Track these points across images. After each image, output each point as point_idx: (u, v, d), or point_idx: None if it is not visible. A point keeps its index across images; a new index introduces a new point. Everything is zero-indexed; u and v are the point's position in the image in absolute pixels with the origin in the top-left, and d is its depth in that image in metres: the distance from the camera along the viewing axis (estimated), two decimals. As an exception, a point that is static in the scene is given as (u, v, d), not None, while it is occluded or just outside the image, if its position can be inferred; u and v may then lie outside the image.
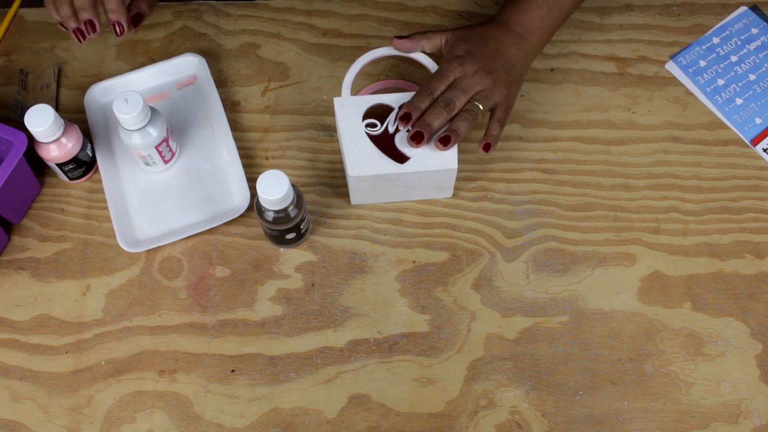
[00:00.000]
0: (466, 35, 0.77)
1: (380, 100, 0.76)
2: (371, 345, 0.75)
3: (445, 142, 0.73)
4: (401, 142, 0.75)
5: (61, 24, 0.76)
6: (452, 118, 0.74)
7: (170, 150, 0.80)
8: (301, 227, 0.76)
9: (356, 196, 0.79)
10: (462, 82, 0.74)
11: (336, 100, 0.76)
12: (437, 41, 0.78)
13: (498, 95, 0.75)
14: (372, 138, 0.75)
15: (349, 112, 0.75)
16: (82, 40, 0.76)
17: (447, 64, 0.75)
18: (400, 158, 0.74)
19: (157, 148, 0.78)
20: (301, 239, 0.78)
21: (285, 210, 0.72)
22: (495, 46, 0.76)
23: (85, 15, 0.74)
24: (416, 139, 0.73)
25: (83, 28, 0.75)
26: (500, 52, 0.76)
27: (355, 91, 0.85)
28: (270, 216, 0.72)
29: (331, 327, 0.76)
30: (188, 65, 0.87)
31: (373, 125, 0.75)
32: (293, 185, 0.72)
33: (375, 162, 0.74)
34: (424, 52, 0.79)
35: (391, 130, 0.75)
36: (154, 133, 0.77)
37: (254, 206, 0.74)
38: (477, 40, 0.76)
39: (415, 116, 0.73)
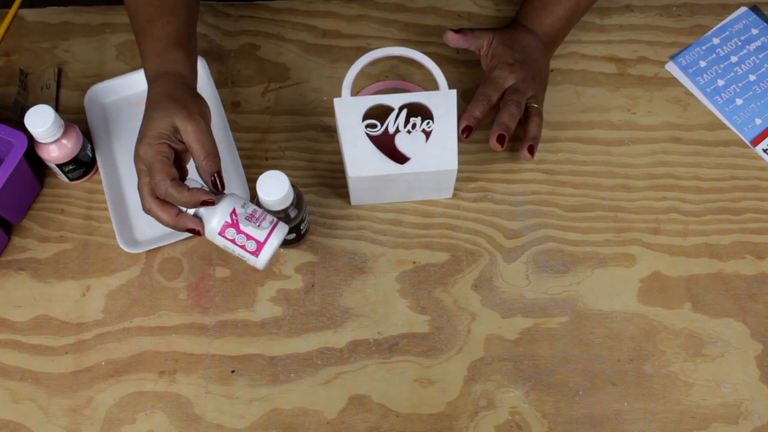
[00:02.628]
0: (508, 41, 0.80)
1: (380, 100, 0.76)
2: (371, 345, 0.75)
3: (531, 151, 0.78)
4: (401, 142, 0.75)
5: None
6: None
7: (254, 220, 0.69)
8: (301, 228, 0.76)
9: (356, 196, 0.79)
10: (519, 87, 0.78)
11: (336, 101, 0.76)
12: (481, 42, 0.82)
13: (542, 99, 0.82)
14: (372, 138, 0.75)
15: (349, 112, 0.75)
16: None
17: (500, 71, 0.79)
18: (400, 159, 0.74)
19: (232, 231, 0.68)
20: (300, 240, 0.78)
21: (285, 210, 0.72)
22: (533, 55, 0.81)
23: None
24: (501, 141, 0.76)
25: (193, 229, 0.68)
26: (536, 60, 0.81)
27: (355, 91, 0.85)
28: None
29: (331, 328, 0.76)
30: (188, 66, 0.87)
31: (374, 126, 0.75)
32: (293, 186, 0.72)
33: (375, 163, 0.74)
34: (466, 49, 0.83)
35: (391, 130, 0.75)
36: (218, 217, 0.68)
37: None
38: (518, 47, 0.80)
39: (475, 127, 0.77)
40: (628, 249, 0.79)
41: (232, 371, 0.74)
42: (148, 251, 0.79)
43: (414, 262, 0.79)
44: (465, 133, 0.76)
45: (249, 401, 0.73)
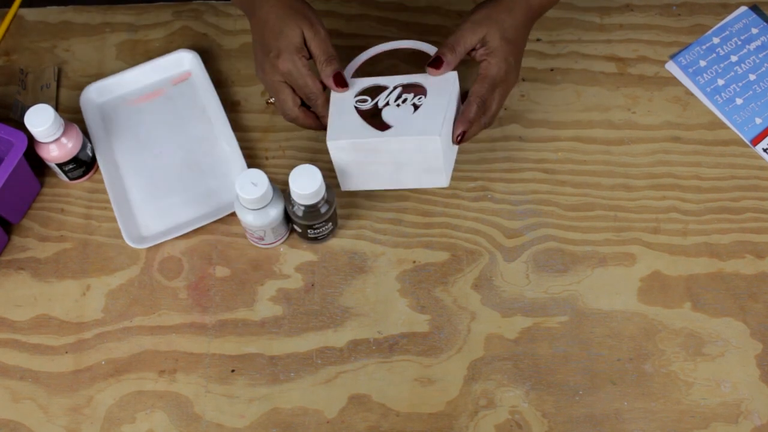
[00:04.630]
0: (508, 33, 0.73)
1: (377, 81, 0.74)
2: (371, 345, 0.75)
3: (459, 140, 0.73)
4: (388, 114, 0.72)
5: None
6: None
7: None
8: (329, 224, 0.76)
9: (342, 177, 0.76)
10: (505, 93, 0.74)
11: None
12: (468, 45, 0.73)
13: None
14: (360, 112, 0.72)
15: (345, 93, 0.74)
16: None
17: (497, 71, 0.72)
18: (383, 128, 0.71)
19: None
20: (330, 234, 0.79)
21: (316, 205, 0.72)
22: (524, 43, 0.75)
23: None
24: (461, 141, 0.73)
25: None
26: (524, 46, 0.75)
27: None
28: (300, 211, 0.73)
29: (331, 327, 0.76)
30: (182, 61, 0.87)
31: (364, 100, 0.73)
32: (325, 181, 0.71)
33: (354, 130, 0.71)
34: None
35: (381, 105, 0.72)
36: (273, 213, 0.74)
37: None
38: (515, 35, 0.73)
39: (469, 130, 0.72)
40: (628, 248, 0.79)
41: (232, 370, 0.74)
42: (149, 250, 0.79)
43: (414, 262, 0.79)
44: (459, 137, 0.72)
45: (249, 400, 0.73)
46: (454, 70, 0.73)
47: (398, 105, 0.72)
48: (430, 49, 0.76)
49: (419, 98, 0.72)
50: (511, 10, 0.73)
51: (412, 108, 0.72)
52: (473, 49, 0.73)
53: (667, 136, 0.85)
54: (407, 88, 0.73)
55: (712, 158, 0.83)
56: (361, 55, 0.77)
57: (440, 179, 0.74)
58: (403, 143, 0.70)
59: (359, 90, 0.74)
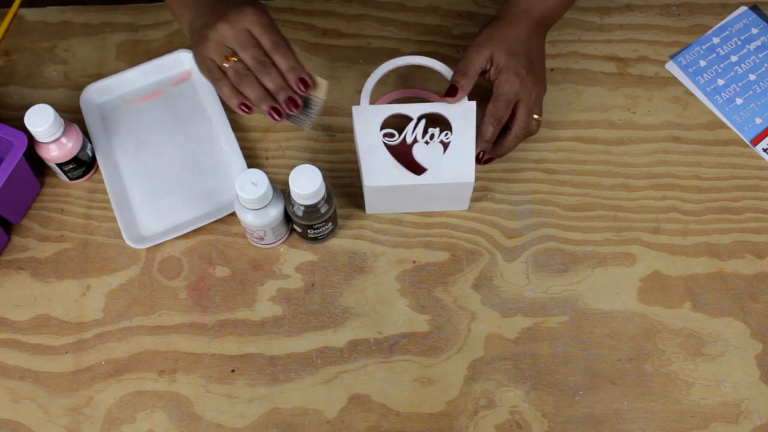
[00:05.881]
0: (510, 47, 0.74)
1: (399, 110, 0.75)
2: (371, 345, 0.75)
3: (479, 160, 0.76)
4: (418, 153, 0.74)
5: (244, 105, 0.70)
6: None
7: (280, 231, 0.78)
8: (330, 224, 0.76)
9: (371, 206, 0.79)
10: (528, 103, 0.75)
11: (354, 109, 0.75)
12: (478, 67, 0.75)
13: (542, 97, 0.78)
14: (389, 148, 0.74)
15: (368, 121, 0.74)
16: (278, 118, 0.70)
17: (510, 86, 0.74)
18: (417, 169, 0.74)
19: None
20: (331, 233, 0.79)
21: (316, 206, 0.72)
22: (537, 51, 0.77)
23: (283, 95, 0.70)
24: (488, 161, 0.77)
25: (280, 107, 0.70)
26: (539, 54, 0.77)
27: (373, 100, 0.84)
28: (300, 211, 0.73)
29: (331, 327, 0.76)
30: (182, 61, 0.87)
31: (391, 135, 0.74)
32: (325, 181, 0.72)
33: (391, 173, 0.73)
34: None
35: (408, 140, 0.74)
36: (273, 212, 0.74)
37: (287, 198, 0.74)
38: (521, 49, 0.75)
39: (488, 150, 0.76)
40: (628, 248, 0.79)
41: (232, 370, 0.74)
42: (149, 250, 0.79)
43: (414, 262, 0.79)
44: (481, 156, 0.76)
45: (249, 400, 0.73)
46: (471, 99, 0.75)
47: (426, 142, 0.74)
48: (440, 66, 0.77)
49: (446, 135, 0.74)
50: (511, 24, 0.76)
51: (442, 147, 0.74)
52: (485, 71, 0.75)
53: (667, 136, 0.85)
54: (430, 119, 0.75)
55: (712, 158, 0.83)
56: (374, 73, 0.77)
57: (463, 205, 0.80)
58: (438, 186, 0.74)
59: (382, 120, 0.75)
